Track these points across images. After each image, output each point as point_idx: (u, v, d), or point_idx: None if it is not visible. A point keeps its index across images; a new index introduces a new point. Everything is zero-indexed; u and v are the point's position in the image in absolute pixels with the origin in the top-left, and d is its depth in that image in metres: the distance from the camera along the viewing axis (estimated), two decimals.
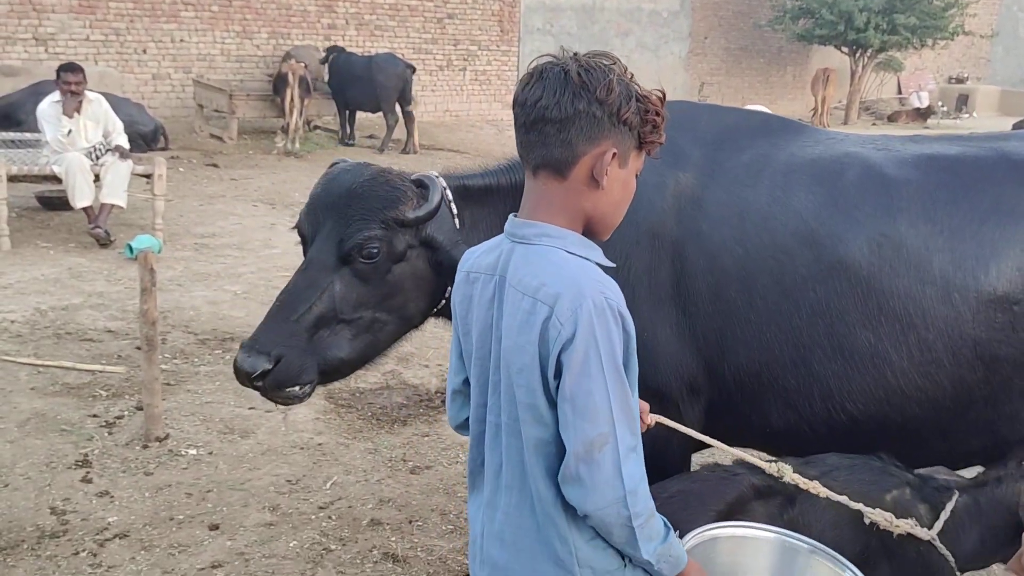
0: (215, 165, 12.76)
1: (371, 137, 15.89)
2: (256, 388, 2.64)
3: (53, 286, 7.12)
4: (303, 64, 14.22)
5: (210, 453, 4.61)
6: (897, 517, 2.47)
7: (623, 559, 1.77)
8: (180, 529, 3.91)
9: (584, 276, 1.69)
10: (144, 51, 15.32)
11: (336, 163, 2.91)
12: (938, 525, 2.51)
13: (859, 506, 2.42)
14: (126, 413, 4.97)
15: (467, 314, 1.88)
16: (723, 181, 2.85)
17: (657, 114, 1.76)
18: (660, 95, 1.78)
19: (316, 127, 16.08)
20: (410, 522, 4.08)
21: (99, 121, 8.55)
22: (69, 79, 8.23)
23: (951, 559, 2.53)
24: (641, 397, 1.74)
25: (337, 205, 2.69)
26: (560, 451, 1.70)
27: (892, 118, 24.43)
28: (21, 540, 3.74)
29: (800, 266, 2.72)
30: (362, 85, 14.59)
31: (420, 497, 4.31)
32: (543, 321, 1.65)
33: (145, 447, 4.60)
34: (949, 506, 2.57)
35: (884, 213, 2.71)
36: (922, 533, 2.47)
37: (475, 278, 1.85)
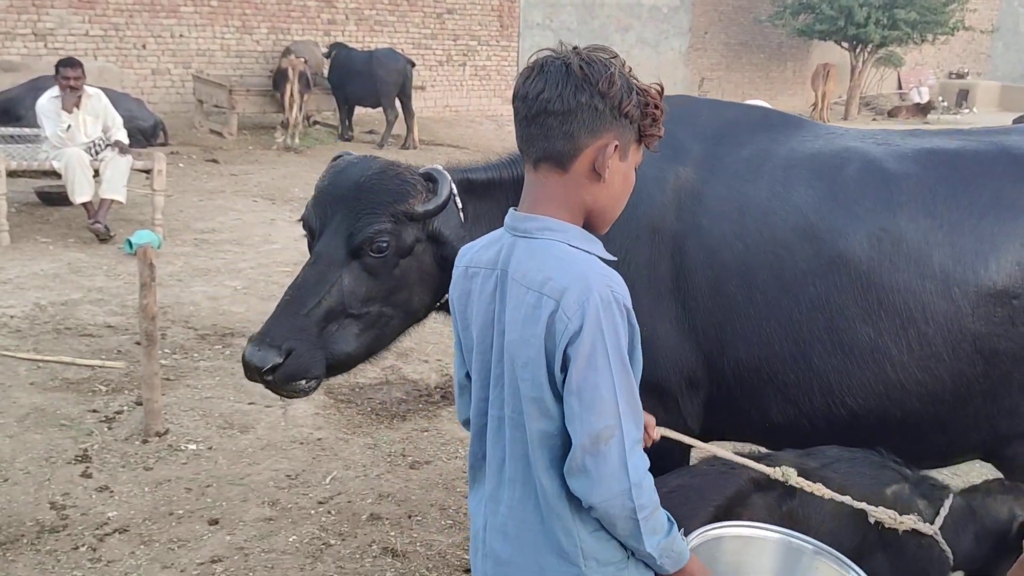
0: (215, 160, 12.75)
1: (371, 132, 15.87)
2: (265, 382, 2.63)
3: (53, 281, 7.12)
4: (303, 59, 14.20)
5: (210, 448, 4.61)
6: (898, 512, 2.47)
7: (626, 552, 1.78)
8: (180, 524, 3.92)
9: (590, 270, 1.70)
10: (144, 46, 15.31)
11: (340, 156, 2.90)
12: (939, 520, 2.52)
13: (863, 505, 2.42)
14: (126, 408, 4.97)
15: (466, 309, 1.88)
16: (723, 176, 2.85)
17: (656, 107, 1.77)
18: (659, 88, 1.79)
19: (316, 122, 16.07)
20: (409, 517, 4.08)
21: (98, 116, 8.54)
22: (68, 74, 8.21)
23: (951, 555, 2.54)
24: (640, 391, 1.74)
25: (346, 198, 2.67)
26: (565, 444, 1.71)
27: (892, 113, 24.42)
28: (21, 535, 3.75)
29: (800, 261, 2.72)
30: (362, 80, 14.58)
31: (419, 492, 4.31)
32: (549, 315, 1.66)
33: (145, 442, 4.60)
34: (947, 503, 2.58)
35: (884, 208, 2.71)
36: (925, 528, 2.48)
37: (474, 273, 1.85)
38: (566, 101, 1.69)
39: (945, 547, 2.52)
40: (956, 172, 2.77)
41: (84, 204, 8.33)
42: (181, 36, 15.69)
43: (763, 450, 2.86)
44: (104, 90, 9.03)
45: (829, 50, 24.96)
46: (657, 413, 2.25)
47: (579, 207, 1.78)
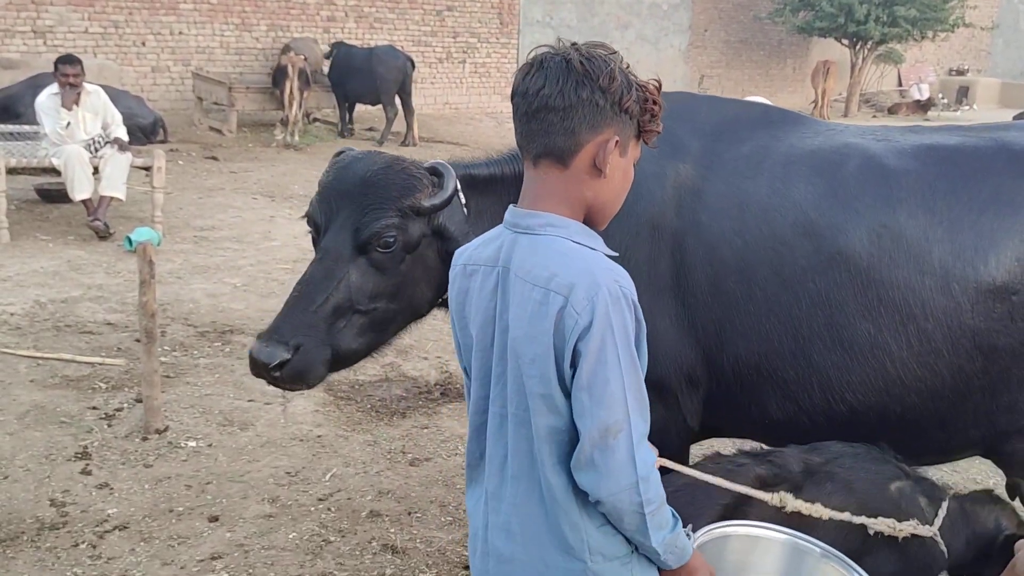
0: (214, 158, 12.75)
1: (371, 130, 15.87)
2: (273, 379, 2.63)
3: (52, 278, 7.12)
4: (302, 56, 14.21)
5: (209, 445, 4.62)
6: (903, 507, 2.50)
7: (631, 546, 1.78)
8: (179, 521, 3.92)
9: (596, 265, 1.70)
10: (143, 44, 15.30)
11: (343, 152, 2.89)
12: (938, 521, 2.54)
13: (862, 519, 2.41)
14: (125, 405, 4.97)
15: (464, 307, 1.88)
16: (723, 172, 2.85)
17: (655, 103, 1.77)
18: (657, 84, 1.80)
19: (315, 119, 16.06)
20: (409, 514, 4.08)
21: (98, 113, 8.53)
22: (67, 71, 8.21)
23: (947, 555, 2.55)
24: None
25: (352, 193, 2.66)
26: (572, 439, 1.71)
27: (892, 110, 24.41)
28: (21, 532, 3.75)
29: (800, 257, 2.72)
30: (362, 77, 14.58)
31: (419, 489, 4.31)
32: (558, 311, 1.66)
33: (144, 439, 4.60)
34: (945, 504, 2.60)
35: (883, 204, 2.71)
36: (925, 531, 2.49)
37: (473, 270, 1.85)
38: (567, 97, 1.70)
39: (944, 547, 2.53)
40: (955, 168, 2.77)
41: (84, 201, 8.33)
42: (181, 33, 15.68)
43: (765, 447, 2.86)
44: (104, 87, 9.03)
45: (829, 47, 24.95)
46: (656, 410, 2.23)
47: (580, 203, 1.78)
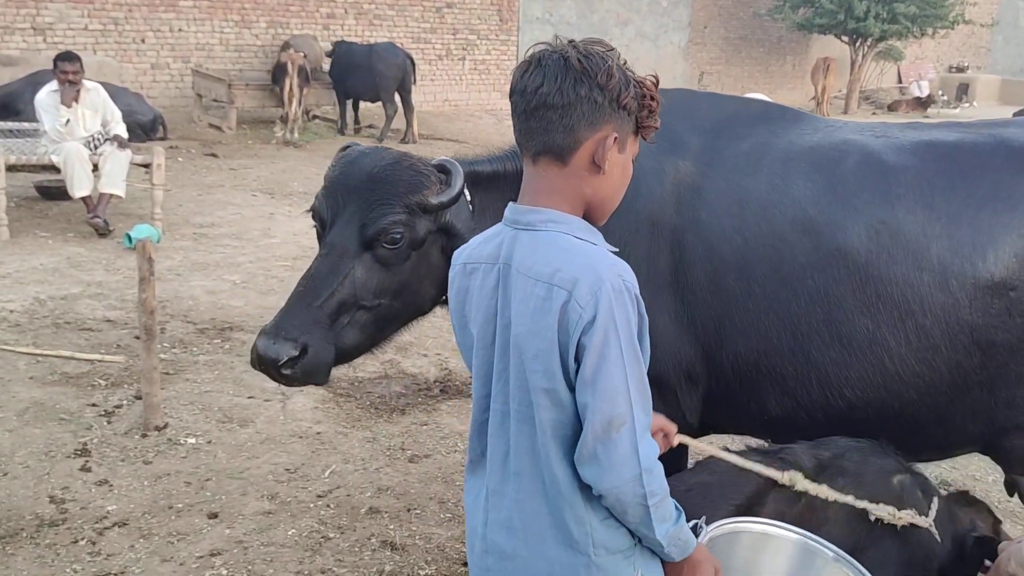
0: (214, 155, 12.74)
1: (370, 127, 15.86)
2: (282, 376, 2.63)
3: (52, 275, 7.12)
4: (302, 53, 14.20)
5: (209, 442, 4.62)
6: (905, 499, 2.52)
7: (634, 539, 1.79)
8: (179, 517, 3.92)
9: (598, 260, 1.71)
10: (143, 40, 15.29)
11: (348, 147, 2.87)
12: (932, 513, 2.56)
13: (864, 504, 2.44)
14: (125, 402, 4.97)
15: (464, 306, 1.88)
16: (722, 169, 2.85)
17: (653, 99, 1.78)
18: (654, 80, 1.80)
19: (315, 117, 16.06)
20: (408, 510, 4.09)
21: (97, 110, 8.52)
22: (66, 68, 8.20)
23: (941, 546, 2.58)
24: None
25: (359, 189, 2.65)
26: (576, 432, 1.72)
27: (892, 107, 24.41)
28: (20, 528, 3.75)
29: (799, 254, 2.72)
30: (362, 74, 14.57)
31: (418, 485, 4.32)
32: (562, 305, 1.66)
33: (144, 436, 4.60)
34: (936, 499, 2.64)
35: (882, 200, 2.71)
36: (922, 521, 2.52)
37: (473, 269, 1.85)
38: (565, 94, 1.70)
39: (938, 539, 2.56)
40: (954, 164, 2.77)
41: (83, 198, 8.33)
42: (180, 30, 15.66)
43: (772, 444, 2.87)
44: (103, 84, 9.03)
45: (829, 44, 24.94)
46: (655, 407, 2.24)
47: (579, 199, 1.79)
